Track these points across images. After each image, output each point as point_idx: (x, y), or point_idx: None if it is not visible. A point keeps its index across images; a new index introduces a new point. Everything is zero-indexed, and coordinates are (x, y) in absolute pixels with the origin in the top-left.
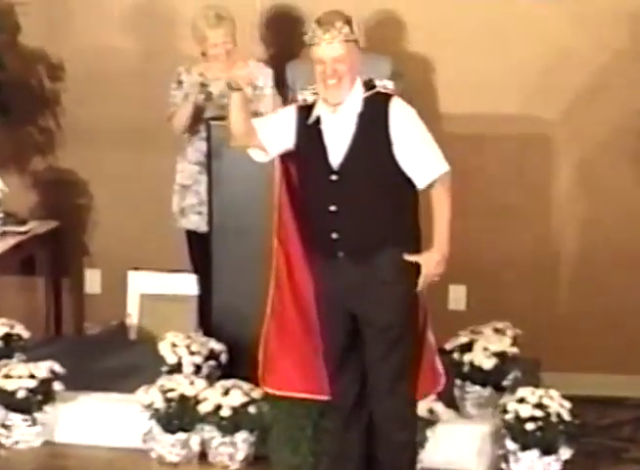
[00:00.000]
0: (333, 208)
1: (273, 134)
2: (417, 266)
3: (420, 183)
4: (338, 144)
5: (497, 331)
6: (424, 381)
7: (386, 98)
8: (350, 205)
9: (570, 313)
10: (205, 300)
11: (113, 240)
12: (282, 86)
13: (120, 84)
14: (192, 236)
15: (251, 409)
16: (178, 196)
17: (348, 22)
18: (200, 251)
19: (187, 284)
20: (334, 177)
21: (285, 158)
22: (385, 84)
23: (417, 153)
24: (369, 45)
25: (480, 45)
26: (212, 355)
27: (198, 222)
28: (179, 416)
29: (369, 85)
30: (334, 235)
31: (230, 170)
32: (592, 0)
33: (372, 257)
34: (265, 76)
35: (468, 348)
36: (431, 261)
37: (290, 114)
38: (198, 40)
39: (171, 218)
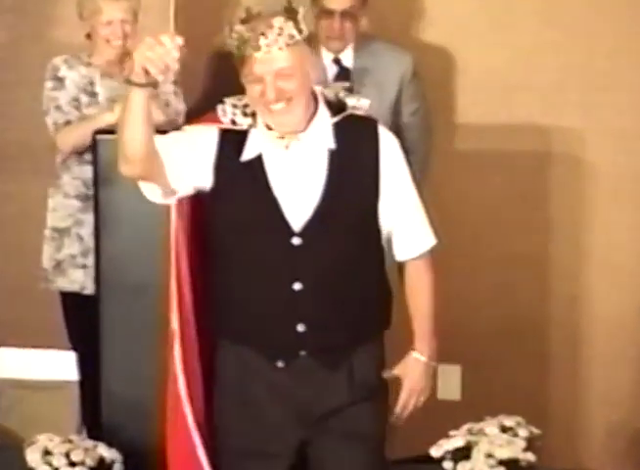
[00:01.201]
0: (298, 286)
1: (183, 164)
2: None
3: (401, 254)
4: (298, 194)
5: (505, 430)
6: None
7: (369, 125)
8: (324, 280)
9: (607, 408)
10: (90, 388)
11: None
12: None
13: None
14: (71, 299)
15: None
16: (51, 245)
17: (291, 12)
18: (84, 319)
19: (65, 366)
20: (296, 241)
21: (193, 201)
22: (359, 104)
23: (408, 215)
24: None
25: (507, 40)
26: (102, 466)
27: (82, 280)
28: None
29: (335, 104)
30: (299, 327)
31: (125, 205)
32: None
33: (348, 355)
34: None
35: (465, 454)
36: (416, 372)
37: (209, 138)
38: (86, 14)
39: (42, 277)
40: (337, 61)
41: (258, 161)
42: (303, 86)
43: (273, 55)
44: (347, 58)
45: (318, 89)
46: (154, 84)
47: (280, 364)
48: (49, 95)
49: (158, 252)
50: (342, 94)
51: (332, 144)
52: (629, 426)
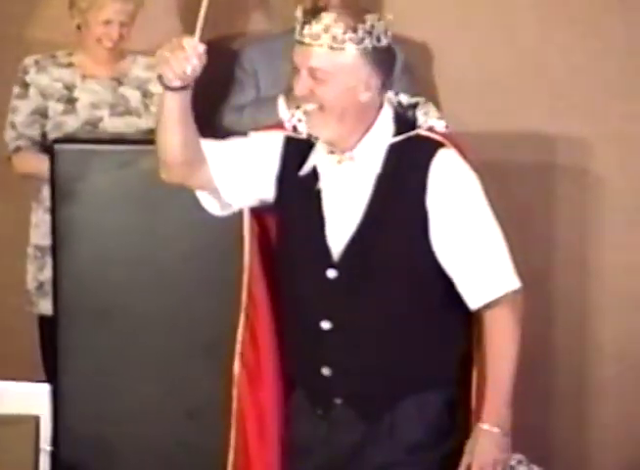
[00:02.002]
0: (326, 324)
1: (241, 175)
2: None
3: (472, 302)
4: (341, 218)
5: None
6: None
7: (428, 149)
8: (356, 321)
9: (618, 448)
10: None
11: None
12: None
13: None
14: (51, 326)
15: None
16: (34, 264)
17: (355, 16)
18: None
19: (23, 399)
20: (331, 274)
21: (261, 212)
22: (431, 124)
23: (470, 256)
24: None
25: (507, 40)
26: None
27: None
28: None
29: (405, 121)
30: (324, 371)
31: (87, 221)
32: None
33: (391, 406)
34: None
35: None
36: (485, 445)
37: (273, 147)
38: (83, 5)
39: (25, 300)
40: None
41: (314, 175)
42: (340, 101)
43: (311, 49)
44: None
45: (389, 97)
46: (186, 87)
47: (319, 412)
48: (12, 105)
49: (124, 273)
50: (420, 111)
51: (378, 168)
52: None
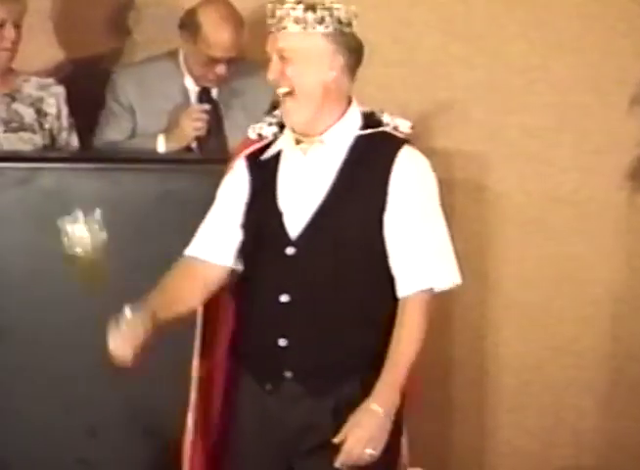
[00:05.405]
0: (285, 298)
1: (232, 233)
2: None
3: (402, 288)
4: (301, 201)
5: None
6: None
7: (395, 143)
8: (313, 294)
9: (515, 460)
10: None
11: None
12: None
13: None
14: None
15: None
16: None
17: (319, 2)
18: None
19: None
20: (290, 251)
21: None
22: (396, 124)
23: (411, 245)
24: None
25: (405, 55)
26: None
27: None
28: None
29: (372, 119)
30: (281, 341)
31: None
32: None
33: (337, 383)
34: (57, 99)
35: None
36: (366, 421)
37: (239, 183)
38: None
39: None
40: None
41: (275, 162)
42: (308, 79)
43: (277, 34)
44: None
45: None
46: None
47: (268, 387)
48: None
49: (22, 291)
50: (387, 113)
51: (344, 154)
52: None
